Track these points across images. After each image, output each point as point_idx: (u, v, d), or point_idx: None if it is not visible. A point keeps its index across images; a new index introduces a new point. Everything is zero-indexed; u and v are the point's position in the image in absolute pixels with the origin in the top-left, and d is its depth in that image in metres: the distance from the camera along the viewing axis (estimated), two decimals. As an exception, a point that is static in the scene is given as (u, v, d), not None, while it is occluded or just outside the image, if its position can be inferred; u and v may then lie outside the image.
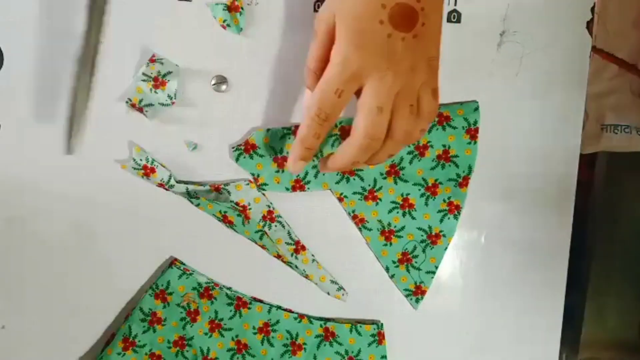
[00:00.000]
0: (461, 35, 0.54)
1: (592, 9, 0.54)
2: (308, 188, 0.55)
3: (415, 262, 0.56)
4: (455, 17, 0.54)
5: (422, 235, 0.56)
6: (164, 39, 0.52)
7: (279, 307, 0.56)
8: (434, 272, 0.56)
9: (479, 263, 0.57)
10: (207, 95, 0.53)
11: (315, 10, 0.53)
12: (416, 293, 0.56)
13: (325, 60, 0.45)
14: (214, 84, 0.53)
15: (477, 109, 0.53)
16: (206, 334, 0.56)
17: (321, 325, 0.56)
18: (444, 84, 0.54)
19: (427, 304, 0.57)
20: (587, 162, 0.61)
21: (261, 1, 0.53)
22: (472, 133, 0.54)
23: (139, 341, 0.55)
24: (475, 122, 0.53)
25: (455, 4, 0.54)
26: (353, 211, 0.56)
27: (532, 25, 0.54)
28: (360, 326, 0.56)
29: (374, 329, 0.56)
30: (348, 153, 0.45)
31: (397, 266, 0.56)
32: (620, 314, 0.64)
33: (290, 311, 0.56)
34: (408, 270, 0.56)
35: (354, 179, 0.55)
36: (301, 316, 0.56)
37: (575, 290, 0.59)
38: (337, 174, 0.55)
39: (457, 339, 0.58)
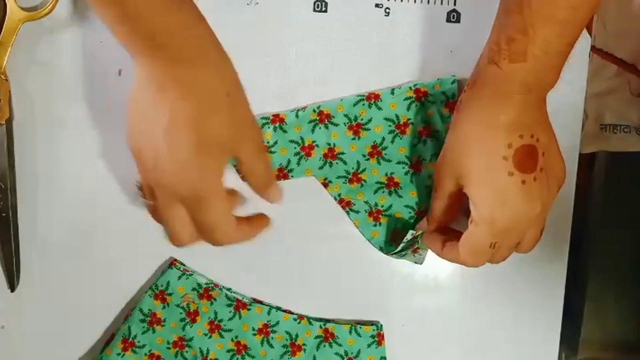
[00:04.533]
0: (461, 35, 0.54)
1: (592, 9, 0.54)
2: (292, 176, 0.55)
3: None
4: (455, 17, 0.54)
5: (410, 213, 0.56)
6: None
7: (278, 308, 0.56)
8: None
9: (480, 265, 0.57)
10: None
11: (315, 10, 0.53)
12: (415, 251, 0.55)
13: (448, 210, 0.49)
14: (213, 84, 0.53)
15: (454, 82, 0.53)
16: (206, 334, 0.56)
17: (321, 326, 0.56)
18: (443, 84, 0.54)
19: (427, 304, 0.57)
20: (586, 161, 0.61)
21: (261, 1, 0.53)
22: (451, 106, 0.53)
23: (139, 342, 0.55)
24: (454, 96, 0.53)
25: (455, 4, 0.53)
26: (339, 195, 0.55)
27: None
28: (360, 327, 0.56)
29: (374, 329, 0.56)
30: (450, 257, 0.49)
31: (391, 245, 0.56)
32: (620, 314, 0.64)
33: (290, 312, 0.56)
34: (400, 245, 0.55)
35: (337, 163, 0.55)
36: (301, 317, 0.56)
37: (575, 290, 0.59)
38: (319, 159, 0.54)
39: (457, 339, 0.58)
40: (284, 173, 0.54)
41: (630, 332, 0.65)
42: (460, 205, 0.49)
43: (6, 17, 0.51)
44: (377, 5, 0.53)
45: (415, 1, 0.53)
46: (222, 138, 0.42)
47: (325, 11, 0.53)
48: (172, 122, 0.40)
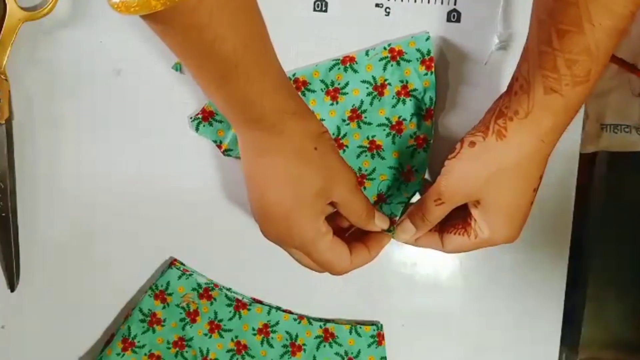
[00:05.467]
0: (461, 35, 0.54)
1: (592, 9, 0.54)
2: None
3: (389, 201, 0.56)
4: (455, 17, 0.54)
5: (394, 174, 0.55)
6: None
7: (278, 308, 0.56)
8: (404, 203, 0.55)
9: (479, 263, 0.57)
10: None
11: (315, 10, 0.53)
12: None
13: (441, 217, 0.49)
14: (213, 84, 0.53)
15: (428, 38, 0.53)
16: (206, 334, 0.56)
17: (321, 326, 0.56)
18: (443, 83, 0.54)
19: (427, 304, 0.57)
20: (587, 161, 0.61)
21: (261, 1, 0.53)
22: (428, 64, 0.53)
23: (139, 342, 0.55)
24: (429, 52, 0.53)
25: (455, 4, 0.53)
26: None
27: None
28: (360, 327, 0.56)
29: (374, 329, 0.56)
30: (428, 244, 0.51)
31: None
32: (620, 314, 0.64)
33: (290, 312, 0.56)
34: (381, 208, 0.55)
35: None
36: (300, 317, 0.56)
37: (575, 290, 0.59)
38: None
39: (457, 339, 0.58)
40: None
41: (630, 332, 0.65)
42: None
43: (6, 17, 0.51)
44: (377, 5, 0.53)
45: (415, 1, 0.53)
46: (314, 188, 0.44)
47: (325, 11, 0.53)
48: (266, 185, 0.44)
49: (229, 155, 0.54)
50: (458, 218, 0.49)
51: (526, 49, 0.44)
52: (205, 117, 0.53)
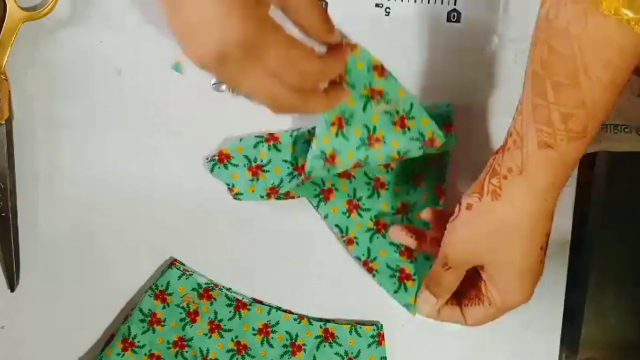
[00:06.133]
0: (461, 35, 0.54)
1: (592, 9, 0.54)
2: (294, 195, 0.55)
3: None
4: (455, 17, 0.54)
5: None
6: (164, 39, 0.52)
7: (278, 308, 0.56)
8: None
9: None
10: (207, 95, 0.53)
11: (315, 10, 0.53)
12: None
13: (456, 283, 0.48)
14: (213, 84, 0.53)
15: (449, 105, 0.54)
16: (206, 334, 0.56)
17: (321, 326, 0.56)
18: (443, 83, 0.54)
19: (427, 304, 0.57)
20: (587, 162, 0.61)
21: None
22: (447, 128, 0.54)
23: (139, 342, 0.55)
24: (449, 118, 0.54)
25: (455, 4, 0.53)
26: (326, 215, 0.56)
27: (533, 25, 0.54)
28: (360, 327, 0.56)
29: (374, 329, 0.56)
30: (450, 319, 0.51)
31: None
32: (620, 314, 0.64)
33: (290, 312, 0.56)
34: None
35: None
36: (301, 317, 0.56)
37: (575, 290, 0.59)
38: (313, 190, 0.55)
39: (457, 339, 0.58)
40: (275, 191, 0.54)
41: (630, 332, 0.65)
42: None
43: (6, 17, 0.51)
44: (377, 5, 0.53)
45: (415, 1, 0.53)
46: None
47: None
48: None
49: (238, 199, 0.55)
50: (475, 288, 0.48)
51: (521, 102, 0.42)
52: (221, 159, 0.54)
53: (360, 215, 0.55)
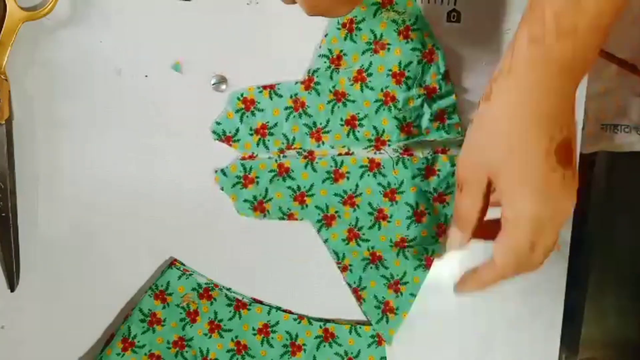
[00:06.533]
0: (461, 35, 0.54)
1: (592, 9, 0.54)
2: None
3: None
4: (455, 17, 0.54)
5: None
6: (164, 38, 0.52)
7: (278, 308, 0.56)
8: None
9: (478, 263, 0.57)
10: (207, 95, 0.53)
11: (315, 10, 0.53)
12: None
13: (478, 208, 0.45)
14: (214, 84, 0.53)
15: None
16: (206, 334, 0.56)
17: (321, 326, 0.56)
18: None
19: (427, 304, 0.57)
20: (587, 162, 0.61)
21: (261, 1, 0.53)
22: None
23: (139, 342, 0.55)
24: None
25: (455, 4, 0.53)
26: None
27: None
28: (360, 327, 0.56)
29: (374, 329, 0.56)
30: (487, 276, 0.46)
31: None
32: (620, 314, 0.64)
33: (290, 312, 0.56)
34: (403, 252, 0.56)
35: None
36: (301, 317, 0.56)
37: (575, 290, 0.59)
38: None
39: (457, 339, 0.58)
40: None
41: (630, 332, 0.65)
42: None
43: (6, 17, 0.51)
44: (377, 5, 0.53)
45: (415, 1, 0.53)
46: None
47: (325, 11, 0.53)
48: None
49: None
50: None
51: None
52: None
53: (358, 244, 0.56)
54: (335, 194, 0.55)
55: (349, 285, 0.56)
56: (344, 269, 0.56)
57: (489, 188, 0.44)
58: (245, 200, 0.55)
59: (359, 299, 0.56)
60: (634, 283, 0.64)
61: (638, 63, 0.61)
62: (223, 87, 0.53)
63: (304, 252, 0.56)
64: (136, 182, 0.54)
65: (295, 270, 0.56)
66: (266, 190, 0.54)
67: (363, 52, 0.53)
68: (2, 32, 0.51)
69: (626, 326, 0.65)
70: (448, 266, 0.57)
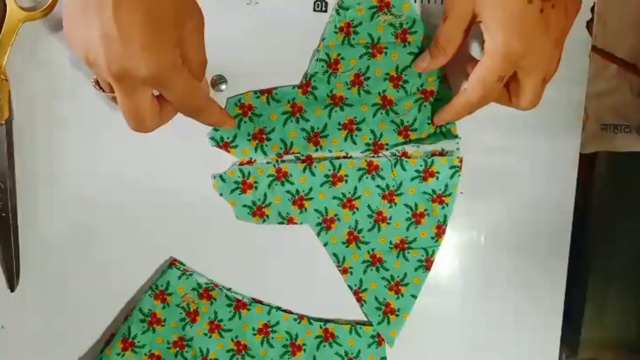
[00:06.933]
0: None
1: (592, 9, 0.54)
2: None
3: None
4: (455, 17, 0.54)
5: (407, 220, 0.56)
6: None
7: (278, 308, 0.56)
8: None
9: (478, 263, 0.57)
10: (207, 96, 0.53)
11: (315, 10, 0.53)
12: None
13: (456, 41, 0.47)
14: (213, 84, 0.53)
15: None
16: (206, 334, 0.56)
17: (321, 327, 0.56)
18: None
19: (427, 304, 0.57)
20: (587, 162, 0.61)
21: (261, 1, 0.53)
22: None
23: (139, 342, 0.55)
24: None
25: (455, 4, 0.53)
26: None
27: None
28: (360, 327, 0.56)
29: (374, 330, 0.56)
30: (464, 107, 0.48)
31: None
32: (620, 314, 0.64)
33: (290, 312, 0.56)
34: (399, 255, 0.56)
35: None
36: (301, 317, 0.56)
37: (575, 290, 0.59)
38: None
39: (457, 339, 0.58)
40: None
41: (630, 332, 0.65)
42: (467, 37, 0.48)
43: (6, 17, 0.51)
44: (377, 5, 0.53)
45: (415, 1, 0.53)
46: (169, 11, 0.40)
47: (325, 11, 0.53)
48: (117, 2, 0.38)
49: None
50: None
51: None
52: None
53: (358, 247, 0.56)
54: (334, 197, 0.55)
55: (350, 287, 0.56)
56: (344, 271, 0.56)
57: (472, 22, 0.46)
58: (244, 206, 0.55)
59: (359, 300, 0.56)
60: (634, 283, 0.64)
61: (638, 63, 0.61)
62: (223, 87, 0.53)
63: (304, 252, 0.56)
64: (136, 182, 0.54)
65: (295, 270, 0.56)
66: (265, 195, 0.54)
67: (360, 56, 0.52)
68: (2, 32, 0.51)
69: (626, 326, 0.65)
70: (448, 266, 0.57)
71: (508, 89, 0.48)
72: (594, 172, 0.63)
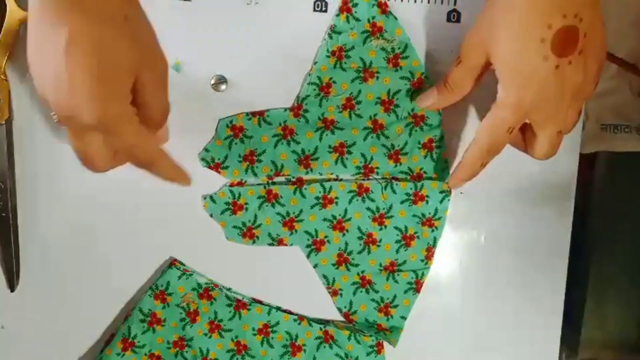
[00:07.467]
0: (461, 35, 0.54)
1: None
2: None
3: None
4: (455, 17, 0.54)
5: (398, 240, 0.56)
6: (163, 39, 0.52)
7: (278, 309, 0.56)
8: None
9: (478, 263, 0.57)
10: (207, 95, 0.53)
11: (315, 10, 0.53)
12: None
13: (465, 86, 0.47)
14: (213, 84, 0.53)
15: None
16: (206, 334, 0.56)
17: (320, 328, 0.56)
18: (443, 84, 0.54)
19: (427, 303, 0.57)
20: (586, 162, 0.61)
21: (261, 1, 0.53)
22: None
23: (139, 342, 0.55)
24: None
25: (455, 4, 0.53)
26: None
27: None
28: (359, 335, 0.56)
29: (372, 340, 0.56)
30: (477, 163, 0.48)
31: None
32: (620, 314, 0.64)
33: (290, 312, 0.56)
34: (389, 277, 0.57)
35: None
36: (301, 318, 0.56)
37: (575, 290, 0.59)
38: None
39: (457, 339, 0.58)
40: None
41: (630, 332, 0.65)
42: (476, 82, 0.48)
43: (6, 17, 0.51)
44: (377, 5, 0.53)
45: (415, 1, 0.53)
46: (123, 61, 0.39)
47: (325, 11, 0.53)
48: (71, 45, 0.37)
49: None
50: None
51: None
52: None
53: (348, 269, 0.56)
54: (325, 219, 0.55)
55: (339, 310, 0.56)
56: (334, 293, 0.56)
57: (485, 69, 0.46)
58: (235, 227, 0.55)
59: (350, 322, 0.56)
60: (634, 283, 0.64)
61: (638, 63, 0.61)
62: (223, 87, 0.53)
63: (304, 252, 0.56)
64: (136, 182, 0.54)
65: (295, 270, 0.56)
66: (255, 216, 0.54)
67: (352, 80, 0.52)
68: (2, 32, 0.51)
69: (626, 326, 0.65)
70: (448, 266, 0.57)
71: (524, 136, 0.48)
72: (594, 172, 0.63)
